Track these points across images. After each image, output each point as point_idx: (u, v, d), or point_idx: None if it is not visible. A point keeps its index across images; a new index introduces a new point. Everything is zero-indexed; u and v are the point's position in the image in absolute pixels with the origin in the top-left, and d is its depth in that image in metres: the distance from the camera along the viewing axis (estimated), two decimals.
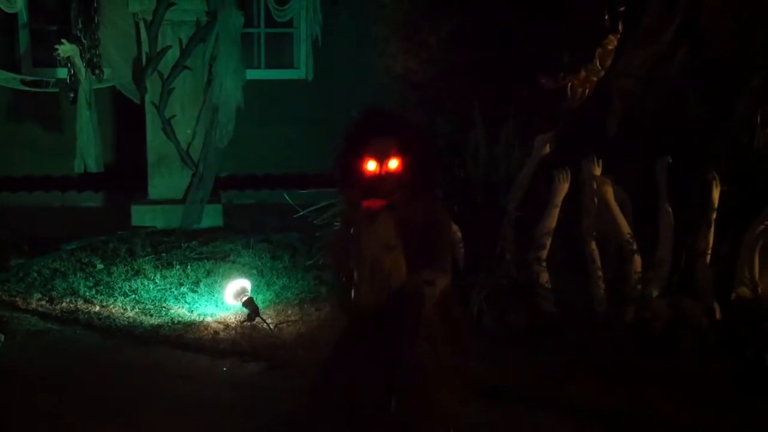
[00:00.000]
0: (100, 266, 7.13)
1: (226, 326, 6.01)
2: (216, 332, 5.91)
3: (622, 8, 6.31)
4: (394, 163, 3.35)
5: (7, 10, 8.20)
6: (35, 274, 6.92)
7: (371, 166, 3.35)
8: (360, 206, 3.25)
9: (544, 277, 5.93)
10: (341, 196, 3.58)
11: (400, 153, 3.37)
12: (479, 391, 4.45)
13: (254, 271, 6.90)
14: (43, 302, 6.42)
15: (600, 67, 6.41)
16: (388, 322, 3.36)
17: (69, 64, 8.35)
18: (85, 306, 6.36)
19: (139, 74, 8.37)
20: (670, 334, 5.61)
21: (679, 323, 5.68)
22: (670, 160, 5.95)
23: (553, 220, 5.95)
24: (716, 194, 5.87)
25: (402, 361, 3.40)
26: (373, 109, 3.63)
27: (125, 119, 9.06)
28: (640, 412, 4.80)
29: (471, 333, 4.64)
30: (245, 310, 6.01)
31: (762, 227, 5.63)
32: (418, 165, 3.41)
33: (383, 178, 3.35)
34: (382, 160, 3.34)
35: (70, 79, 8.43)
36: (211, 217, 8.46)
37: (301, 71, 9.82)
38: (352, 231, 3.27)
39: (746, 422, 4.74)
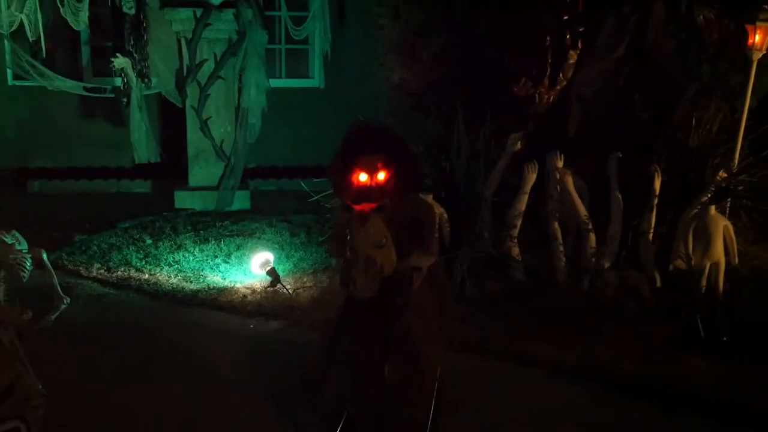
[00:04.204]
0: (149, 241, 7.12)
1: (253, 291, 6.02)
2: (244, 296, 5.92)
3: (581, 29, 6.27)
4: (381, 176, 3.34)
5: (74, 27, 8.16)
6: (95, 248, 6.91)
7: (362, 177, 3.33)
8: (353, 210, 3.23)
9: (515, 251, 5.93)
10: (337, 200, 3.48)
11: (386, 166, 3.36)
12: (460, 347, 4.47)
13: (276, 246, 6.89)
14: (102, 271, 6.42)
15: (562, 78, 6.37)
16: (383, 300, 3.36)
17: (123, 74, 8.34)
18: (136, 274, 6.37)
19: (181, 83, 8.34)
20: (619, 299, 5.63)
21: (626, 290, 5.69)
22: (620, 155, 5.95)
23: (523, 204, 5.95)
24: (658, 184, 5.88)
25: (393, 332, 3.43)
26: (361, 126, 3.62)
27: (169, 120, 9.04)
28: (593, 365, 4.83)
29: (454, 298, 4.66)
30: (269, 278, 6.03)
31: (695, 211, 5.62)
32: (402, 174, 3.40)
33: (373, 188, 3.32)
34: (371, 173, 3.33)
35: (123, 86, 8.42)
36: (240, 201, 8.45)
37: (314, 80, 9.80)
38: (347, 232, 3.28)
39: (679, 373, 4.75)
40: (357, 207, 3.22)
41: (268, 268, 6.06)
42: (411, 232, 3.45)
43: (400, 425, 3.70)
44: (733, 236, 5.51)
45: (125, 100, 8.46)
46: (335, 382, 3.72)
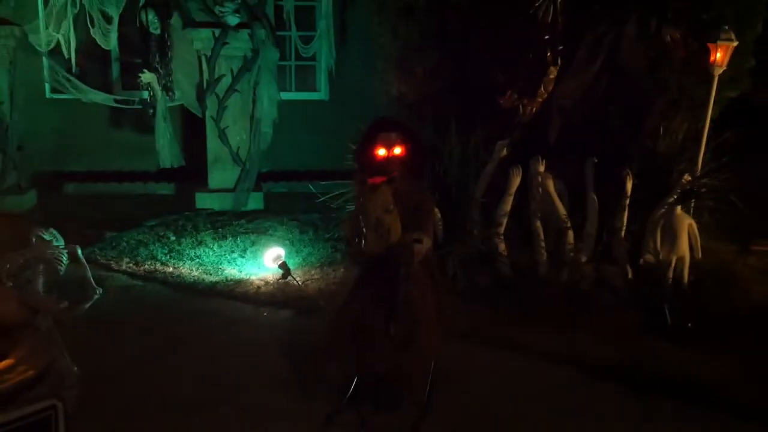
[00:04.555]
0: (172, 238, 7.11)
1: (266, 283, 6.01)
2: (258, 287, 5.91)
3: (561, 47, 6.26)
4: (397, 150, 3.71)
5: (104, 47, 8.18)
6: (124, 244, 6.90)
7: (382, 151, 3.71)
8: (367, 183, 3.52)
9: (502, 247, 5.92)
10: (355, 176, 3.82)
11: (402, 143, 3.71)
12: (453, 334, 4.46)
13: (287, 242, 6.88)
14: (131, 264, 6.42)
15: (544, 91, 6.36)
16: (388, 269, 3.58)
17: (149, 88, 8.35)
18: (161, 267, 6.36)
19: (201, 95, 8.34)
20: (594, 290, 5.62)
21: (601, 282, 5.69)
22: (596, 161, 5.95)
23: (508, 205, 5.95)
24: (629, 186, 5.88)
25: (397, 297, 3.59)
26: (382, 117, 4.01)
27: (191, 129, 9.03)
28: (571, 350, 4.83)
29: (446, 289, 4.66)
30: (280, 271, 6.03)
31: (663, 210, 5.61)
32: (413, 152, 3.77)
33: (390, 160, 3.70)
34: (389, 147, 3.70)
35: (150, 98, 8.44)
36: (254, 201, 8.44)
37: (321, 93, 9.79)
38: (361, 200, 3.55)
39: (648, 357, 4.76)
40: (371, 180, 3.51)
41: (280, 262, 6.07)
42: (413, 215, 3.66)
43: (401, 387, 3.90)
44: (697, 233, 5.52)
45: (151, 111, 8.47)
46: (345, 352, 3.82)
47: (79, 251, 5.54)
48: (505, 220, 5.95)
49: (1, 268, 4.98)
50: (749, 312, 5.44)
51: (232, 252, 6.73)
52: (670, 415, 4.09)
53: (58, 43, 7.98)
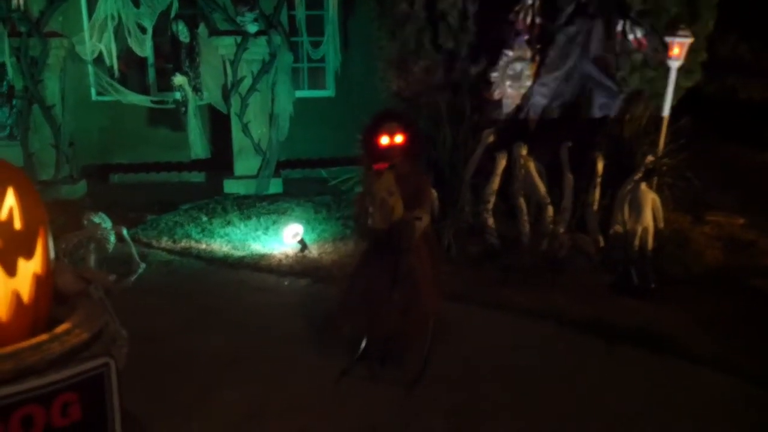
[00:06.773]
0: (204, 219, 7.09)
1: (286, 256, 6.01)
2: (280, 260, 5.92)
3: (538, 46, 6.22)
4: (399, 138, 3.61)
5: (140, 54, 8.13)
6: (163, 225, 6.89)
7: (384, 140, 3.61)
8: (373, 168, 3.53)
9: (490, 221, 5.92)
10: (362, 163, 3.80)
11: (403, 132, 3.62)
12: (448, 296, 4.47)
13: (303, 221, 6.84)
14: (169, 242, 6.42)
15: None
16: (391, 243, 3.59)
17: (181, 89, 8.31)
18: (195, 244, 6.36)
19: (226, 95, 8.30)
20: (571, 257, 5.62)
21: (576, 250, 5.69)
22: (570, 145, 5.92)
23: (495, 184, 5.93)
24: (600, 166, 5.87)
25: (400, 267, 3.60)
26: (386, 108, 4.01)
27: (218, 124, 8.99)
28: (551, 308, 4.83)
29: (443, 258, 4.67)
30: (298, 246, 6.04)
31: (629, 187, 5.59)
32: (412, 139, 3.69)
33: (392, 147, 3.61)
34: (391, 135, 3.61)
35: (181, 98, 8.40)
36: (274, 186, 8.41)
37: (329, 91, 9.72)
38: (368, 184, 3.58)
39: (617, 313, 4.77)
40: (375, 166, 3.52)
41: (298, 238, 6.07)
42: (414, 195, 3.63)
43: (404, 344, 3.89)
44: (660, 206, 5.51)
45: (183, 109, 8.43)
46: (354, 315, 3.85)
47: (125, 232, 5.56)
48: (492, 198, 5.93)
49: (58, 247, 5.00)
50: (703, 273, 5.47)
51: (257, 230, 6.71)
52: (636, 362, 4.12)
53: (100, 52, 7.94)
